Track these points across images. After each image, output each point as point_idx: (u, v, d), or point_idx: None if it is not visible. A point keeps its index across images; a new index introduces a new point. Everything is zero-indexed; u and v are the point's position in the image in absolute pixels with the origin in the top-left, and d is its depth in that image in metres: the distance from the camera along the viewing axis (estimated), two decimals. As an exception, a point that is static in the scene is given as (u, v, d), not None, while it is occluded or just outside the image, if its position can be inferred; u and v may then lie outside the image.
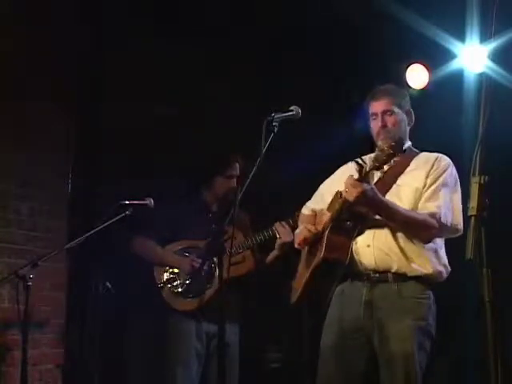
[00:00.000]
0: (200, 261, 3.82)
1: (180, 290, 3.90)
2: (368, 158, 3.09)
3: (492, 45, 4.05)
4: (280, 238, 3.86)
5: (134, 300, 4.55)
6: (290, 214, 3.87)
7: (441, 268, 3.03)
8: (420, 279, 2.99)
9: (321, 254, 2.99)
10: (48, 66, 4.67)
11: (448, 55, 4.70)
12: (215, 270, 3.78)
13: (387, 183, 3.06)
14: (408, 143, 3.22)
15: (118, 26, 4.83)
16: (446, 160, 3.10)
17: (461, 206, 3.03)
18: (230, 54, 4.99)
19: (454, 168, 3.10)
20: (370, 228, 3.03)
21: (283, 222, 3.87)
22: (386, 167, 3.05)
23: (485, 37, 4.37)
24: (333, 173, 3.38)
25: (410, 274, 2.97)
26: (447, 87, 4.77)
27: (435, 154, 3.14)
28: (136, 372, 4.76)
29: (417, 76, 4.98)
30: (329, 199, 3.15)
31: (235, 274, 3.60)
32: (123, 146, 4.81)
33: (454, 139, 4.60)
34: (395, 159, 2.91)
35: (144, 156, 4.85)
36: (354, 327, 3.00)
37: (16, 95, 4.45)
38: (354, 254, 3.02)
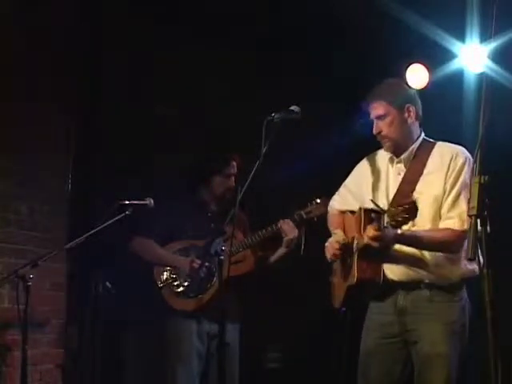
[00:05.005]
0: (200, 261, 3.83)
1: (180, 289, 3.90)
2: (380, 156, 3.19)
3: (492, 45, 4.04)
4: (286, 235, 3.88)
5: (133, 300, 4.54)
6: (290, 213, 3.89)
7: (473, 266, 2.94)
8: (453, 285, 3.01)
9: (354, 278, 3.00)
10: (48, 66, 4.67)
11: (448, 55, 4.70)
12: (215, 270, 3.78)
13: (406, 192, 2.99)
14: (420, 138, 3.15)
15: (117, 25, 4.82)
16: (462, 157, 3.02)
17: None
18: (229, 54, 4.99)
19: (470, 162, 2.97)
20: (397, 248, 3.01)
21: (286, 220, 3.88)
22: (402, 173, 3.06)
23: (485, 37, 4.36)
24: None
25: (443, 284, 2.99)
26: (447, 87, 4.76)
27: (451, 151, 3.06)
28: (136, 372, 4.76)
29: (417, 76, 4.96)
30: (352, 201, 3.21)
31: (235, 273, 3.59)
32: (123, 145, 4.80)
33: (454, 139, 4.59)
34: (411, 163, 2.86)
35: (144, 156, 4.85)
36: (391, 333, 3.05)
37: (16, 95, 4.45)
38: (386, 273, 3.04)
